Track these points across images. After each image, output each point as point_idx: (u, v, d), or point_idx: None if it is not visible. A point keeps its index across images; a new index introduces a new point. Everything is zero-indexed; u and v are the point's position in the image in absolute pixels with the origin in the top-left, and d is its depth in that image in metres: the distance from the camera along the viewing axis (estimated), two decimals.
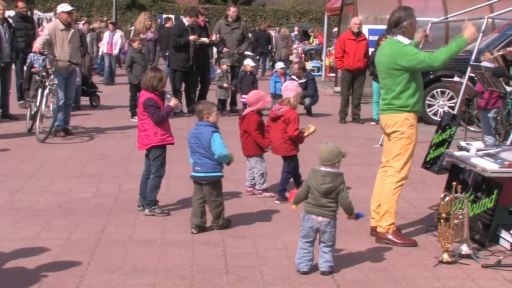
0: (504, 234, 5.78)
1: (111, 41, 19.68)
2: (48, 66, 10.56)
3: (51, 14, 25.77)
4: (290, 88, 7.28)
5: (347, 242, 5.84)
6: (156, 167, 6.51)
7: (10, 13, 13.07)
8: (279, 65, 14.71)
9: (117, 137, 10.94)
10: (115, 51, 19.68)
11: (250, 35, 24.08)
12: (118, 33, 20.02)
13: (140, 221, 6.33)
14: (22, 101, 13.22)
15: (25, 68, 12.61)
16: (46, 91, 10.40)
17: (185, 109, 13.75)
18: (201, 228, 6.03)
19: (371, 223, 6.07)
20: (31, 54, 11.89)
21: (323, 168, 5.04)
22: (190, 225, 6.08)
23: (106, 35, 19.96)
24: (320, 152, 5.06)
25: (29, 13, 15.09)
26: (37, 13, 26.32)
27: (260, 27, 26.43)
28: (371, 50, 13.51)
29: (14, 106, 12.84)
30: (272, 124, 7.29)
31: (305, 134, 7.25)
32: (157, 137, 6.45)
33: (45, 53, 10.41)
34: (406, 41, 5.78)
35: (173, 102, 6.58)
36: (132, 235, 5.91)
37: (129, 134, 10.91)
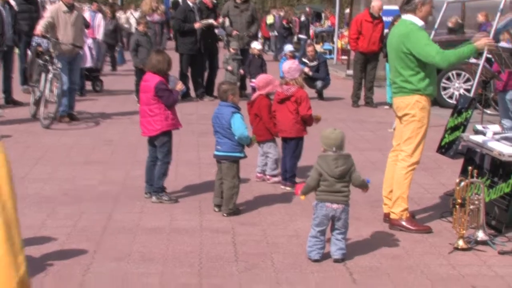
0: None
1: (93, 23, 15.40)
2: (51, 50, 10.58)
3: None
4: (295, 68, 7.28)
5: (360, 228, 5.86)
6: (163, 154, 6.55)
7: None
8: (288, 47, 14.66)
9: (123, 122, 10.98)
10: (99, 36, 15.75)
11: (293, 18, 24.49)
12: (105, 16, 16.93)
13: (148, 209, 6.37)
14: (25, 86, 13.26)
15: (28, 52, 12.63)
16: (50, 75, 10.43)
17: (193, 94, 13.75)
18: (221, 207, 6.26)
19: (384, 209, 6.09)
20: (35, 37, 11.91)
21: (330, 153, 5.05)
22: (198, 209, 6.12)
23: (87, 15, 15.21)
24: (329, 139, 5.04)
25: None
26: None
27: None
28: (385, 31, 13.45)
29: (17, 91, 12.91)
30: (279, 106, 7.28)
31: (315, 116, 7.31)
32: (168, 122, 6.49)
33: (47, 36, 10.43)
34: (418, 22, 5.74)
35: (179, 86, 6.63)
36: (139, 222, 5.95)
37: (136, 119, 10.87)
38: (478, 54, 8.34)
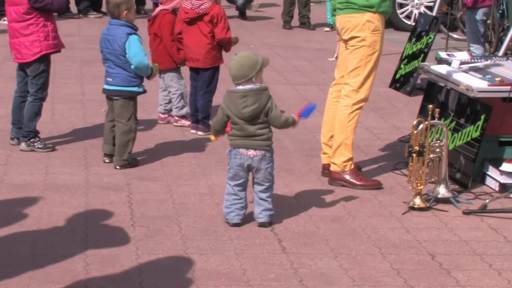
0: (491, 171, 5.99)
1: None
2: None
3: None
4: None
5: (291, 184, 5.95)
6: (37, 87, 6.46)
7: None
8: None
9: None
10: None
11: None
12: None
13: (15, 159, 6.31)
14: None
15: None
16: None
17: (74, 9, 13.50)
18: (113, 157, 6.23)
19: (322, 159, 6.19)
20: None
21: (240, 87, 5.03)
22: (82, 159, 6.09)
23: None
24: (230, 68, 5.04)
25: None
26: None
27: None
28: None
29: None
30: (189, 28, 7.21)
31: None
32: (49, 42, 6.39)
33: None
34: None
35: None
36: (3, 177, 5.88)
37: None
38: None
